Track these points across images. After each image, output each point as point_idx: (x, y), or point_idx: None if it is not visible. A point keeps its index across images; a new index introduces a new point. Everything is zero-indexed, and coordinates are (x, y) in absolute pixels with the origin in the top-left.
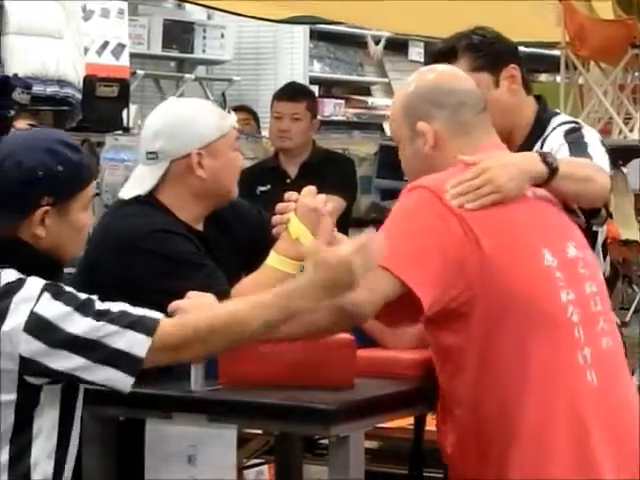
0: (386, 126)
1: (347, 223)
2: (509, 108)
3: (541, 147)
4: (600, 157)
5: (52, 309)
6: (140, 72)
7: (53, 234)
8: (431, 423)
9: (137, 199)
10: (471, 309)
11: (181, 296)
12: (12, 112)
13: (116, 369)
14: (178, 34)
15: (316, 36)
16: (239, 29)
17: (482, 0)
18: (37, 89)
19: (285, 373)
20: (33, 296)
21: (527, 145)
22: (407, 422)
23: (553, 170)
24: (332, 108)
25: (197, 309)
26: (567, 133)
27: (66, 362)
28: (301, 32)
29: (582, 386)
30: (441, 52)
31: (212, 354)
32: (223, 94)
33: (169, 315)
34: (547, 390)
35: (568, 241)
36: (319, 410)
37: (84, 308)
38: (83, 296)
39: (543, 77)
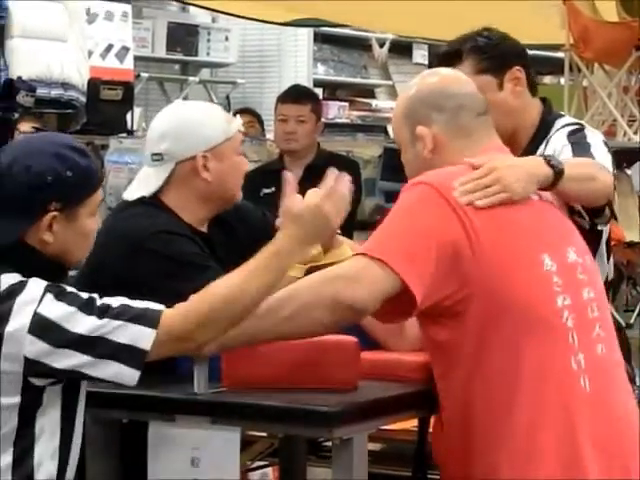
0: (390, 129)
1: (351, 226)
2: (512, 110)
3: (544, 148)
4: (603, 157)
5: (55, 310)
6: (144, 75)
7: (60, 240)
8: None
9: (141, 200)
10: (467, 307)
11: (185, 297)
12: (16, 115)
13: (122, 363)
14: (182, 37)
15: (320, 39)
16: (243, 32)
17: (486, 2)
18: (41, 92)
19: (288, 375)
20: (36, 297)
21: (532, 147)
22: (411, 424)
23: (558, 173)
24: (336, 111)
25: (196, 296)
26: (570, 134)
27: (71, 360)
28: (305, 35)
29: (574, 391)
30: (446, 54)
31: (220, 334)
32: (227, 97)
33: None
34: (538, 392)
35: (569, 246)
36: (322, 412)
37: (87, 307)
38: (85, 295)
39: (547, 79)
